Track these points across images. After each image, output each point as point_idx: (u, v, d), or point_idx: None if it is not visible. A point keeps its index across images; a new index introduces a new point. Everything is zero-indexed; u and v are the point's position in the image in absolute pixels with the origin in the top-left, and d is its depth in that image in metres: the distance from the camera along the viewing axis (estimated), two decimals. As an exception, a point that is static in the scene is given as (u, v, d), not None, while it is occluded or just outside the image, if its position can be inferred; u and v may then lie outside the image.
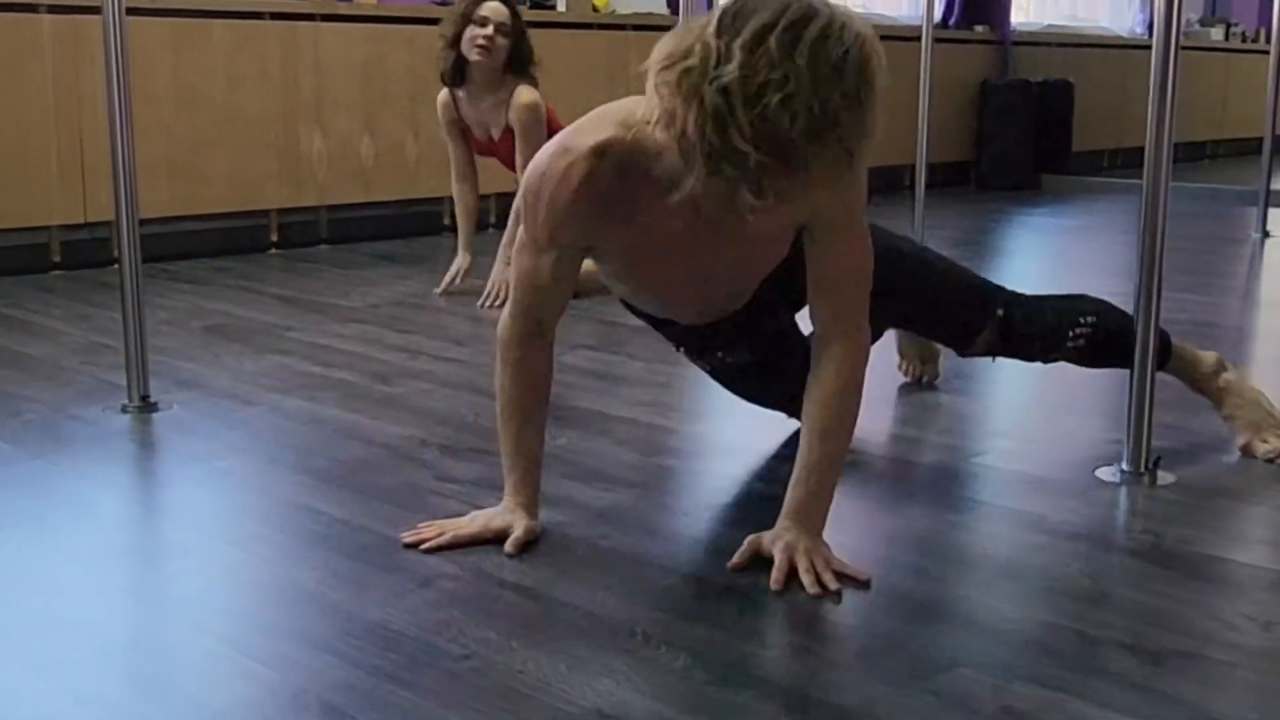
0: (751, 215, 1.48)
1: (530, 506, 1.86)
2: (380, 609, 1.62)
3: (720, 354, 2.18)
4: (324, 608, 1.63)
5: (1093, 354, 2.24)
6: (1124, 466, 2.14)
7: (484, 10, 3.69)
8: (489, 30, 3.66)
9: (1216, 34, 9.61)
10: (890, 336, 2.68)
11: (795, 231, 1.80)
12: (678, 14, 3.66)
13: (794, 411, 2.02)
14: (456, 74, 3.74)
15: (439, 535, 1.83)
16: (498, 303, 3.52)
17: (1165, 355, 2.26)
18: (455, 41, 3.70)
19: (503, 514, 1.85)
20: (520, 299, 1.81)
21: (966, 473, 2.22)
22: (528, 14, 5.27)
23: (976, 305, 2.19)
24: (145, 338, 2.59)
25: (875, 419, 2.54)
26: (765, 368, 2.20)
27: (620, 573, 1.74)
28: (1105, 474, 2.15)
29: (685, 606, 1.65)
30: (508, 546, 1.79)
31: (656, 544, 1.86)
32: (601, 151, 1.66)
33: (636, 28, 5.62)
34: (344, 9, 4.80)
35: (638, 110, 1.62)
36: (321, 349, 3.10)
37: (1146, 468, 2.13)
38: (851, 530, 1.95)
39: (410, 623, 1.58)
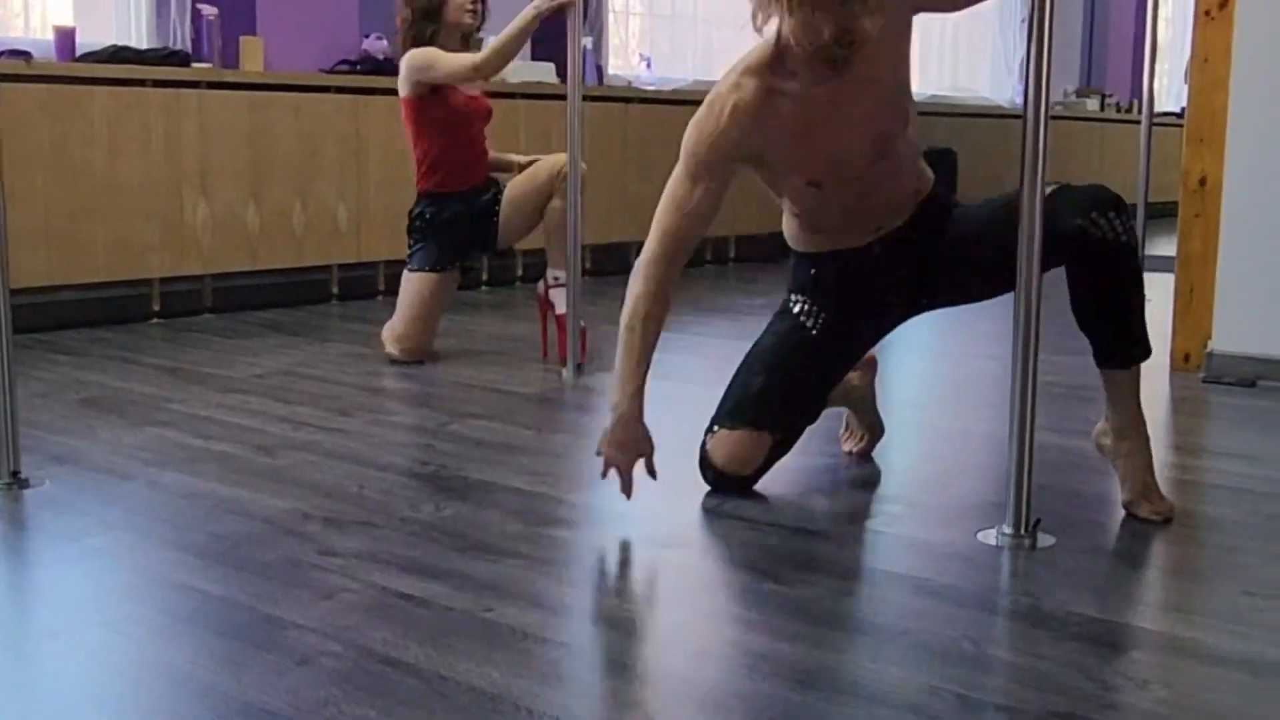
0: (868, 25, 2.07)
1: (641, 416, 2.34)
2: (257, 690, 1.57)
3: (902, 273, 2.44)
4: (199, 690, 1.58)
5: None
6: (1005, 529, 2.17)
7: None
8: None
9: (1092, 104, 9.94)
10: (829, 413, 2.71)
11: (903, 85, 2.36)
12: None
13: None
14: (433, 40, 3.84)
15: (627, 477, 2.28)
16: None
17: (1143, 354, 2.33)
18: (436, 13, 3.79)
19: (635, 439, 2.34)
20: (666, 225, 2.32)
21: (853, 538, 2.23)
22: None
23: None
24: (17, 411, 2.51)
25: (767, 483, 2.55)
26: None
27: (506, 647, 1.72)
28: (987, 537, 2.18)
29: (572, 680, 1.63)
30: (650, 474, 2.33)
31: (543, 616, 1.84)
32: (757, 71, 2.27)
33: (526, 95, 5.65)
34: (229, 76, 4.75)
35: (765, 41, 2.22)
36: (202, 421, 3.04)
37: (1027, 530, 2.16)
38: (739, 598, 1.95)
39: (288, 703, 1.54)
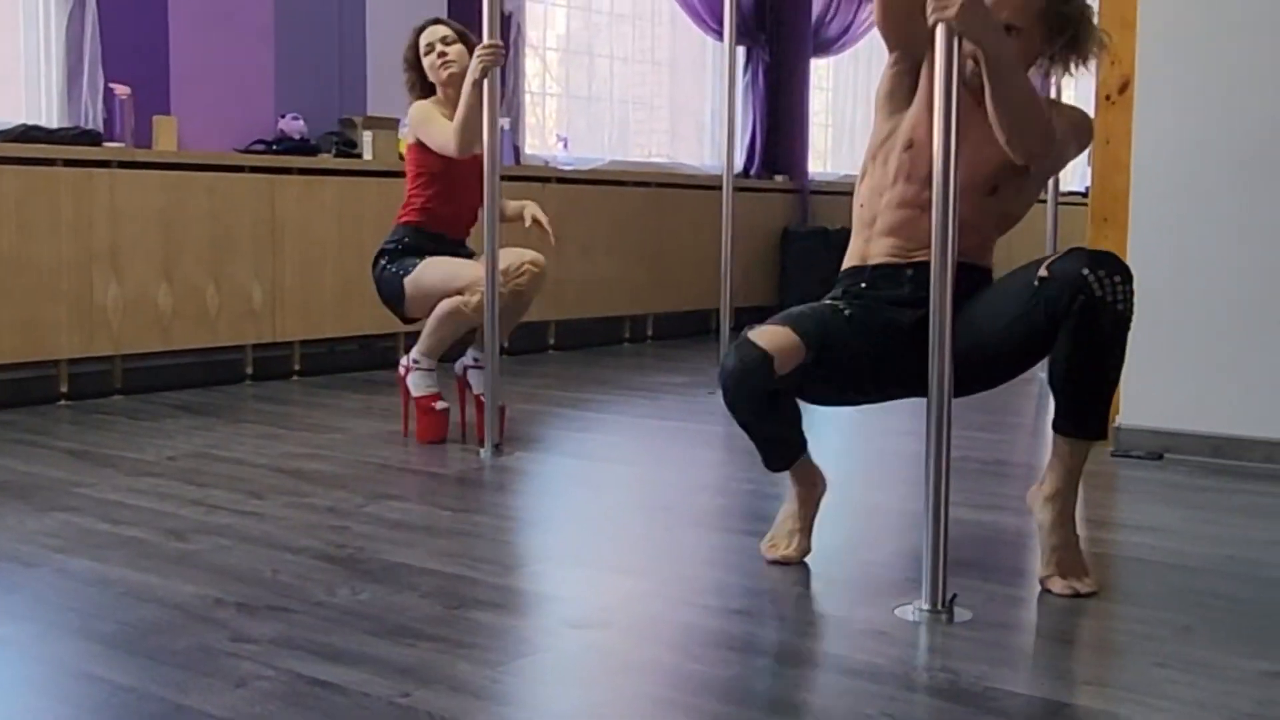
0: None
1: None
2: (165, 784, 1.53)
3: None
4: (104, 785, 1.53)
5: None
6: (923, 605, 2.18)
7: (425, 38, 3.85)
8: (440, 49, 3.82)
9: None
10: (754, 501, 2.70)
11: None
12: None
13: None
14: (426, 88, 3.88)
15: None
16: None
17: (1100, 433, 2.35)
18: (416, 64, 3.86)
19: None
20: None
21: (772, 615, 2.23)
22: (333, 161, 5.29)
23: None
24: (-83, 498, 2.44)
25: (684, 562, 2.55)
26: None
27: (423, 733, 1.69)
28: (905, 613, 2.19)
29: (490, 766, 1.60)
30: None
31: (463, 701, 1.81)
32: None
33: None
34: (142, 156, 4.72)
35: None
36: (112, 505, 2.97)
37: (944, 605, 2.17)
38: (661, 679, 1.94)
39: (198, 797, 1.49)
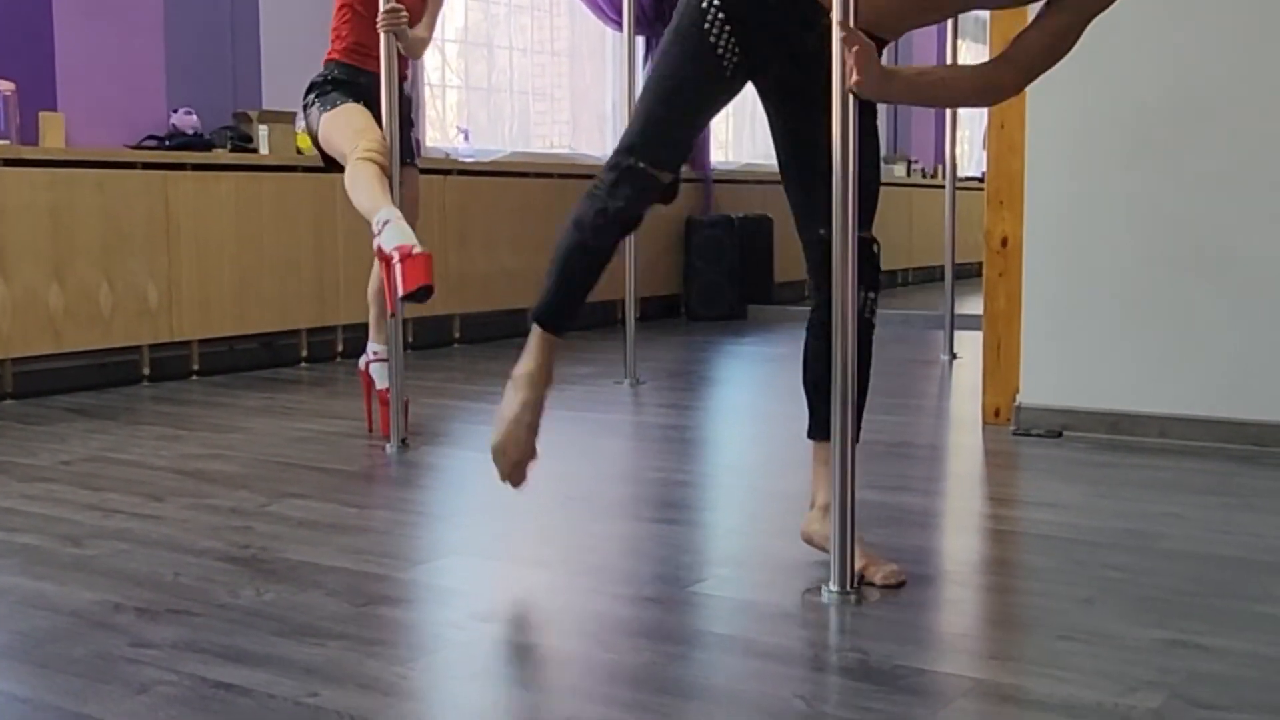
0: None
1: None
2: (64, 795, 1.49)
3: None
4: (-1, 799, 1.49)
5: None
6: (832, 587, 2.20)
7: None
8: None
9: (899, 170, 10.30)
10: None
11: None
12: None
13: None
14: None
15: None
16: None
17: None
18: None
19: None
20: None
21: (683, 602, 2.23)
22: (228, 156, 5.19)
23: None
24: None
25: (593, 552, 2.54)
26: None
27: (331, 733, 1.66)
28: (814, 595, 2.21)
29: (400, 763, 1.58)
30: None
31: (371, 699, 1.78)
32: None
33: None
34: (27, 153, 4.59)
35: None
36: (4, 512, 2.88)
37: (852, 587, 2.19)
38: (572, 669, 1.93)
39: (98, 807, 1.45)
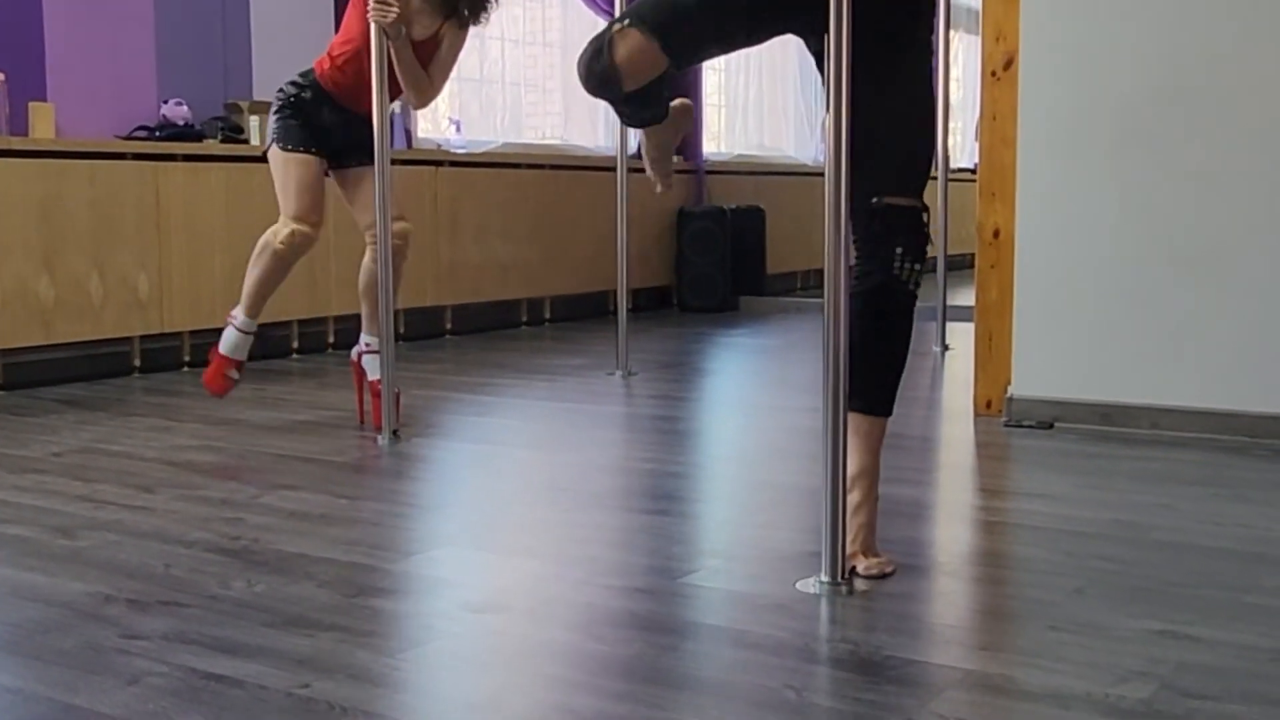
0: None
1: None
2: (54, 786, 1.49)
3: None
4: (-11, 790, 1.49)
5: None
6: (823, 577, 2.20)
7: None
8: None
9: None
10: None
11: None
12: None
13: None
14: None
15: None
16: None
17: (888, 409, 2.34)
18: None
19: None
20: None
21: (674, 593, 2.24)
22: (219, 147, 5.18)
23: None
24: None
25: (585, 542, 2.54)
26: None
27: (322, 724, 1.66)
28: (806, 586, 2.21)
29: (391, 754, 1.58)
30: None
31: (363, 690, 1.78)
32: None
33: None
34: (17, 143, 4.57)
35: None
36: (-5, 503, 2.88)
37: (843, 577, 2.19)
38: (563, 660, 1.93)
39: (88, 798, 1.45)
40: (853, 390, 2.27)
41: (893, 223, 2.28)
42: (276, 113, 3.76)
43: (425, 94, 3.82)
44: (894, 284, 2.29)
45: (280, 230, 3.67)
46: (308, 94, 3.74)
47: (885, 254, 2.29)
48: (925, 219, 2.33)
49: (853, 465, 2.30)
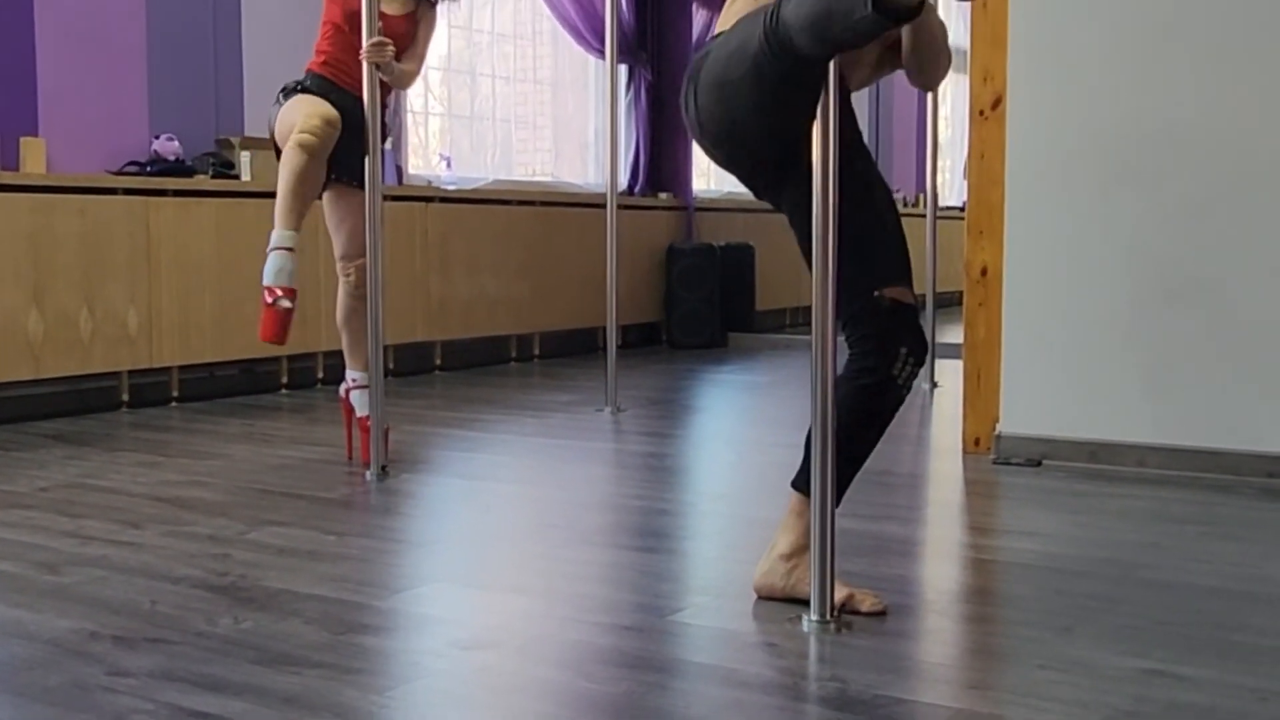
0: None
1: None
2: (38, 825, 1.48)
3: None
4: (-28, 830, 1.47)
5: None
6: (812, 616, 2.19)
7: None
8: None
9: (879, 200, 10.33)
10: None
11: None
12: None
13: None
14: None
15: None
16: None
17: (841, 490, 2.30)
18: None
19: None
20: None
21: (663, 631, 2.23)
22: (209, 183, 5.19)
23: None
24: None
25: (573, 580, 2.53)
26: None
27: (308, 762, 1.65)
28: (795, 624, 2.21)
29: (378, 793, 1.57)
30: None
31: (348, 728, 1.78)
32: None
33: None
34: (9, 178, 4.58)
35: None
36: (-19, 539, 2.87)
37: (832, 616, 2.19)
38: (551, 698, 1.92)
39: (72, 838, 1.44)
40: (808, 473, 2.27)
41: (901, 320, 2.26)
42: (281, 94, 3.75)
43: (407, 83, 3.89)
44: (890, 385, 2.26)
45: (301, 125, 3.51)
46: (308, 82, 3.75)
47: (889, 353, 2.25)
48: (919, 316, 2.34)
49: (794, 543, 2.31)
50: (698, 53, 2.34)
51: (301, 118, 3.53)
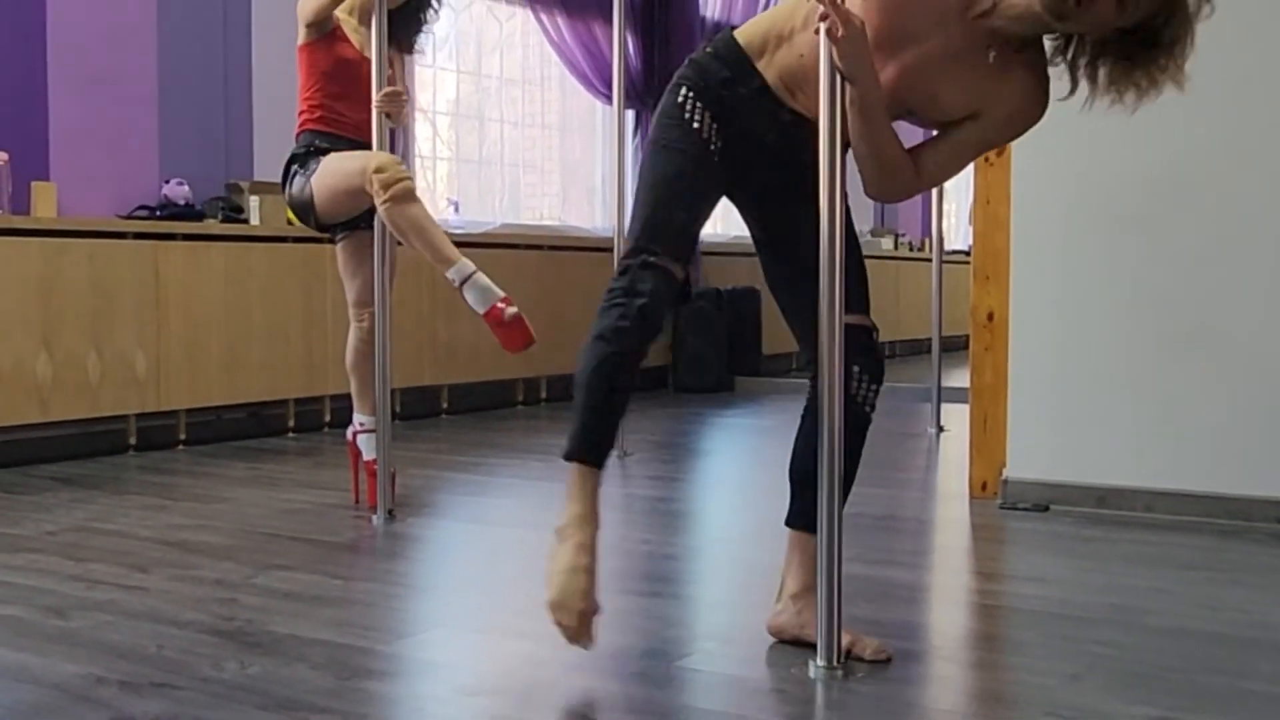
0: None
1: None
2: None
3: None
4: None
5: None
6: (819, 662, 2.19)
7: None
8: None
9: (887, 243, 10.38)
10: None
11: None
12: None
13: None
14: None
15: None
16: None
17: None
18: None
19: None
20: None
21: (669, 677, 2.22)
22: (219, 227, 5.22)
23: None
24: None
25: (579, 627, 2.53)
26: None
27: (313, 809, 1.65)
28: (801, 670, 2.20)
29: (383, 841, 1.57)
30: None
31: (353, 775, 1.77)
32: None
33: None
34: (19, 223, 4.61)
35: None
36: (-13, 583, 2.87)
37: (839, 662, 2.18)
38: (556, 745, 1.91)
39: None
40: (800, 509, 2.31)
41: (851, 342, 2.25)
42: (294, 164, 3.75)
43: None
44: (849, 404, 2.27)
45: (391, 176, 3.54)
46: (317, 142, 3.74)
47: (843, 374, 2.25)
48: (876, 337, 2.35)
49: (802, 581, 2.32)
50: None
51: (374, 172, 3.51)
